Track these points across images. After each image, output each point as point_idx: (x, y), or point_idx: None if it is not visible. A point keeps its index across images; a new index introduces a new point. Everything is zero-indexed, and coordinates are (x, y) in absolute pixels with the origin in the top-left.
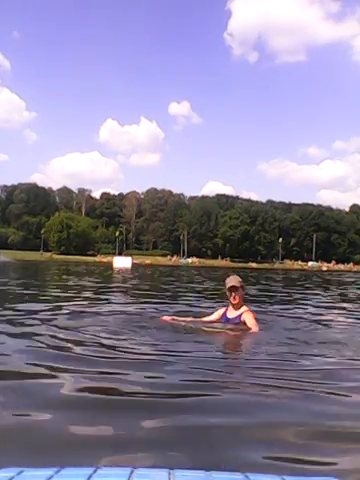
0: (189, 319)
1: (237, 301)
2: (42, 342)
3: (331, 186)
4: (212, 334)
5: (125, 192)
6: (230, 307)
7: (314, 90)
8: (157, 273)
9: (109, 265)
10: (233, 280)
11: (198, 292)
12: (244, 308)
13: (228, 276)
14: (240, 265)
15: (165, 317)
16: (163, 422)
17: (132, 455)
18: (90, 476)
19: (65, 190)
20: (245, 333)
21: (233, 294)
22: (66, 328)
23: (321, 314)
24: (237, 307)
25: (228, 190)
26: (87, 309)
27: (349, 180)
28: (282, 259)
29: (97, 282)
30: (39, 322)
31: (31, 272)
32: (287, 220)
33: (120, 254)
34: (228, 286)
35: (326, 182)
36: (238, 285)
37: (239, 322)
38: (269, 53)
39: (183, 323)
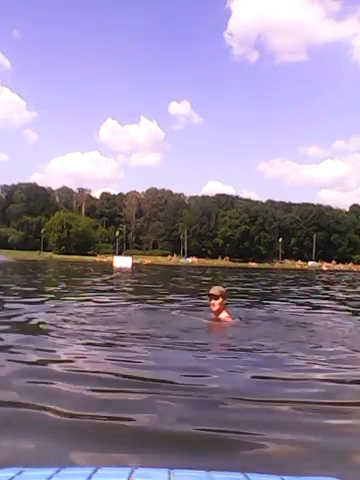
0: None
1: (216, 308)
2: (43, 336)
3: (331, 186)
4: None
5: (125, 192)
6: (212, 315)
7: (314, 89)
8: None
9: (109, 265)
10: (213, 289)
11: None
12: (224, 315)
13: (212, 287)
14: (240, 265)
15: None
16: (162, 421)
17: (132, 455)
18: (90, 476)
19: (65, 190)
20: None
21: (212, 301)
22: (68, 325)
23: None
24: (217, 314)
25: (228, 190)
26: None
27: (349, 180)
28: (282, 259)
29: (96, 282)
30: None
31: (28, 272)
32: (287, 220)
33: (120, 254)
34: (208, 293)
35: (326, 182)
36: (217, 294)
37: None
38: (269, 53)
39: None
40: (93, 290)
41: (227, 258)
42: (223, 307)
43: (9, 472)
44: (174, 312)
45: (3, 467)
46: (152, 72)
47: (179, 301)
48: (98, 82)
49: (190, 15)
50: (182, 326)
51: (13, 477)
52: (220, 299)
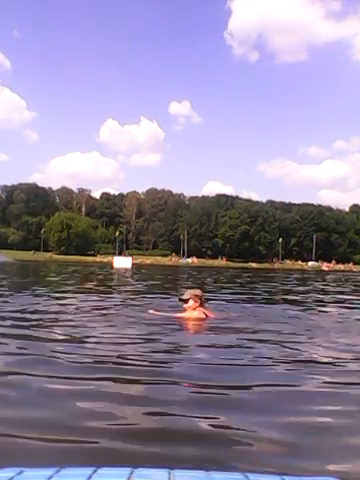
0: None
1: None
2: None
3: (331, 186)
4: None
5: (125, 192)
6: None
7: (315, 89)
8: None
9: (109, 265)
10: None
11: None
12: (195, 313)
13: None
14: (240, 265)
15: (151, 310)
16: (162, 420)
17: (132, 454)
18: (90, 476)
19: (65, 190)
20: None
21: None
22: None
23: None
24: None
25: (228, 190)
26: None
27: (349, 180)
28: (282, 259)
29: (96, 282)
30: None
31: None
32: (287, 220)
33: (120, 254)
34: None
35: (326, 182)
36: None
37: None
38: (270, 52)
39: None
40: (90, 289)
41: (225, 258)
42: (194, 307)
43: (9, 472)
44: (153, 310)
45: (3, 467)
46: (152, 72)
47: (170, 300)
48: (98, 82)
49: (190, 15)
50: (151, 322)
51: (13, 477)
52: (190, 302)
